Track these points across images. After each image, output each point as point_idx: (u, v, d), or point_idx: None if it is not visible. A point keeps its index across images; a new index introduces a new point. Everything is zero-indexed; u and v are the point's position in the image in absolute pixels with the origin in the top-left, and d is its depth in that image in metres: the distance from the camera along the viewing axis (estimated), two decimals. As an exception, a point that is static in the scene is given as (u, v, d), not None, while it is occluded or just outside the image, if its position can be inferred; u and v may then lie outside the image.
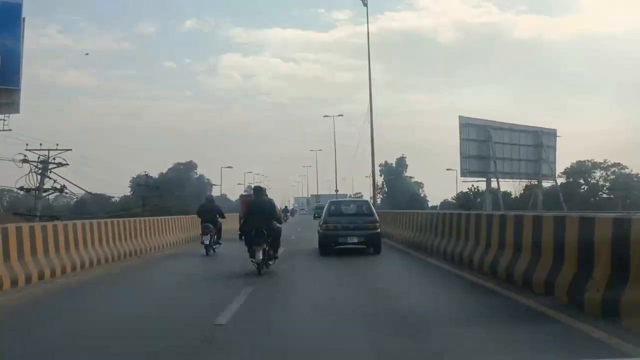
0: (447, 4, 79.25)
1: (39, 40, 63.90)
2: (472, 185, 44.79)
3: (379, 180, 75.47)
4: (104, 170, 60.26)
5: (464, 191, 45.55)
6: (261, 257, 6.70)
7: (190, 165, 47.32)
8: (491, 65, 75.86)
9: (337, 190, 26.96)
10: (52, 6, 70.76)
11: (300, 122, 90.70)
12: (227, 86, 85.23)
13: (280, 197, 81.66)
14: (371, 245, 9.19)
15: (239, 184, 48.35)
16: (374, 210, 10.00)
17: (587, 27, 71.45)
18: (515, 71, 74.24)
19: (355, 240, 9.13)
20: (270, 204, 7.29)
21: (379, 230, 9.34)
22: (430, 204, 64.88)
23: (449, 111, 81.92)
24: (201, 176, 48.24)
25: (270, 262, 7.06)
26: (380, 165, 71.90)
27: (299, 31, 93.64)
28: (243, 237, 7.10)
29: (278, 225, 7.30)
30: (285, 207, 48.77)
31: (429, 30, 77.52)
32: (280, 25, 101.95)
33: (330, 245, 9.27)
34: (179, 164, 46.38)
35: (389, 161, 73.84)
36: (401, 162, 73.59)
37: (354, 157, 53.33)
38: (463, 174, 29.66)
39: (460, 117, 29.22)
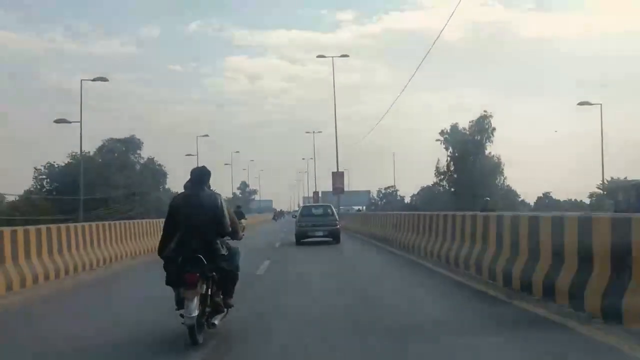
0: (452, 3, 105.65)
1: (45, 45, 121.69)
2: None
3: (443, 157, 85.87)
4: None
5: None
6: (196, 311, 6.75)
7: (132, 143, 59.50)
8: (498, 64, 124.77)
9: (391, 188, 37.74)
10: (57, 11, 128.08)
11: (308, 123, 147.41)
12: (233, 89, 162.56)
13: (288, 196, 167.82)
14: (333, 237, 25.47)
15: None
16: (335, 212, 27.56)
17: (595, 25, 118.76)
18: (522, 69, 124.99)
19: (321, 234, 25.56)
20: (215, 203, 7.37)
21: (339, 226, 26.13)
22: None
23: (457, 110, 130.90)
24: (150, 160, 61.26)
25: (215, 321, 7.32)
26: (442, 134, 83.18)
27: (304, 32, 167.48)
28: (164, 267, 7.28)
29: (228, 244, 7.63)
30: (281, 210, 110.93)
31: (435, 30, 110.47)
32: (285, 27, 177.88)
33: (303, 238, 25.44)
34: (113, 140, 60.14)
35: (461, 125, 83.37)
36: (481, 125, 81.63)
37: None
38: None
39: None
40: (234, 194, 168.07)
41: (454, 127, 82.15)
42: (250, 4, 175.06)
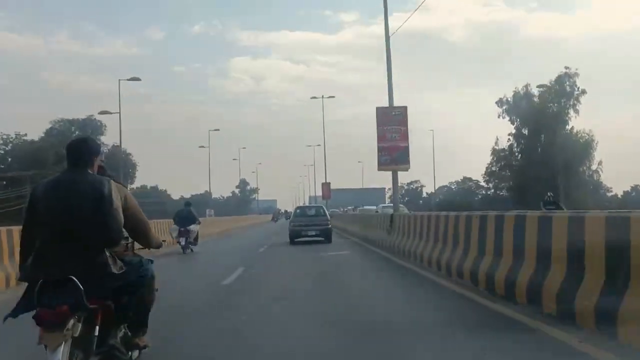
0: (456, 3, 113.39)
1: (50, 47, 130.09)
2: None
3: (504, 135, 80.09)
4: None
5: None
6: None
7: (90, 126, 59.50)
8: (501, 63, 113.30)
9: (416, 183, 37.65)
10: (62, 12, 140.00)
11: (312, 123, 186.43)
12: (237, 89, 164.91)
13: (294, 195, 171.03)
14: (324, 236, 35.28)
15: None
16: (327, 212, 38.78)
17: (598, 24, 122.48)
18: (526, 68, 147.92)
19: (313, 233, 35.29)
20: (100, 192, 6.07)
21: (330, 226, 36.37)
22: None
23: (461, 111, 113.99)
24: (116, 147, 61.80)
25: None
26: (501, 103, 77.32)
27: (308, 33, 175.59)
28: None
29: (135, 256, 6.82)
30: (285, 210, 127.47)
31: (439, 30, 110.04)
32: (288, 28, 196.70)
33: (297, 237, 35.43)
34: (64, 121, 60.31)
35: (519, 87, 76.95)
36: (561, 89, 74.40)
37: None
38: None
39: None
40: (232, 192, 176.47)
41: (518, 94, 76.55)
42: (252, 4, 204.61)
